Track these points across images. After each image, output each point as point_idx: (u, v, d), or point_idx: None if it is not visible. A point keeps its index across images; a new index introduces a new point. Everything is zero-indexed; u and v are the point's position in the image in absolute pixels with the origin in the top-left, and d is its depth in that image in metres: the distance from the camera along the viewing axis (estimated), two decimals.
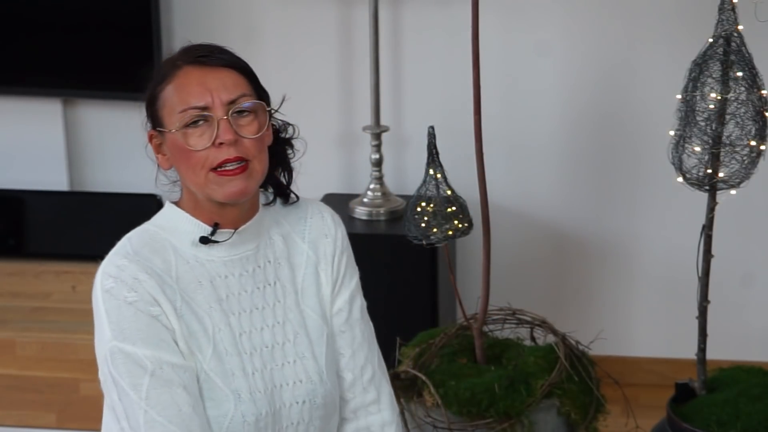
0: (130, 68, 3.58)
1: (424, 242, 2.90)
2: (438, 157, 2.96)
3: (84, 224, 3.67)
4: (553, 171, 3.66)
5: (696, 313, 2.98)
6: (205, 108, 1.96)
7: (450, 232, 2.96)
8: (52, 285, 3.65)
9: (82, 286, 3.64)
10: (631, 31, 3.55)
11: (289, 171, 2.15)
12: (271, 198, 2.14)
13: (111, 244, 3.63)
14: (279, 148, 2.11)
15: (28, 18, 3.61)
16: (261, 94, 2.05)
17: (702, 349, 3.00)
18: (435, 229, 2.92)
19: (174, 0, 3.66)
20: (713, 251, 2.94)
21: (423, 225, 2.90)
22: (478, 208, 2.91)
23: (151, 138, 2.07)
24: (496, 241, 3.07)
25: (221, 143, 1.95)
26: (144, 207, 3.64)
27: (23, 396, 3.41)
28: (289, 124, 2.13)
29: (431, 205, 2.95)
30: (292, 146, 2.14)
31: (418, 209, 2.94)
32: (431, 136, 2.95)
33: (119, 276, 1.98)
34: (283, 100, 2.10)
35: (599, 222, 3.68)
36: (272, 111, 2.06)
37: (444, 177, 2.97)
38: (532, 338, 3.23)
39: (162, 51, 3.55)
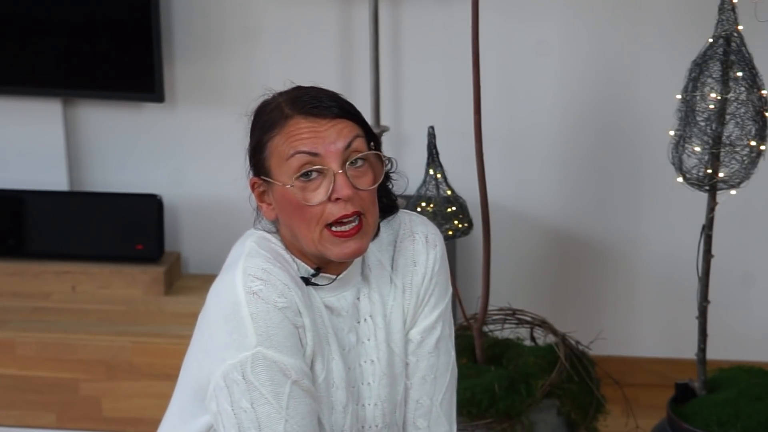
0: (130, 69, 3.62)
1: None
2: (438, 157, 2.96)
3: (84, 224, 3.66)
4: (554, 171, 3.66)
5: (696, 313, 2.98)
6: (316, 155, 1.86)
7: (450, 232, 2.96)
8: (52, 285, 3.65)
9: (82, 286, 3.64)
10: (631, 31, 3.54)
11: (391, 200, 2.05)
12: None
13: (111, 244, 3.66)
14: (382, 183, 2.00)
15: (28, 18, 3.61)
16: (371, 138, 1.94)
17: (702, 349, 3.00)
18: None
19: (174, 0, 3.66)
20: (713, 251, 2.94)
21: None
22: (478, 208, 2.91)
23: (253, 186, 1.95)
24: (496, 241, 3.07)
25: (338, 198, 1.87)
26: (144, 207, 3.65)
27: (23, 396, 3.41)
28: (388, 159, 2.02)
29: (431, 205, 2.95)
30: (390, 179, 2.02)
31: (418, 209, 2.94)
32: (431, 136, 2.95)
33: (268, 279, 1.86)
34: (381, 134, 2.02)
35: (599, 222, 3.68)
36: (385, 159, 1.96)
37: (444, 177, 2.97)
38: (532, 338, 3.23)
39: (162, 51, 3.55)
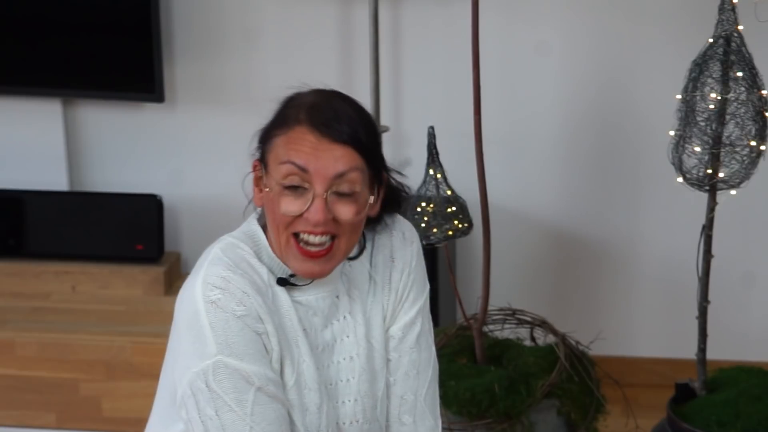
0: (130, 69, 3.62)
1: (424, 242, 2.90)
2: (438, 157, 2.96)
3: (84, 224, 3.67)
4: (553, 171, 3.66)
5: (696, 313, 2.98)
6: (305, 171, 1.84)
7: (450, 232, 2.96)
8: (52, 285, 3.65)
9: (82, 286, 3.64)
10: (631, 31, 3.54)
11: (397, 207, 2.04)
12: (361, 248, 2.01)
13: (111, 244, 3.65)
14: (387, 204, 2.00)
15: (28, 18, 3.61)
16: (376, 170, 1.91)
17: (702, 349, 3.00)
18: (435, 229, 2.92)
19: (174, 0, 3.66)
20: (713, 251, 2.94)
21: (423, 225, 2.90)
22: (478, 208, 2.91)
23: (255, 167, 1.94)
24: (496, 241, 3.07)
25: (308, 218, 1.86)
26: (144, 207, 3.65)
27: (23, 396, 3.41)
28: (403, 188, 2.02)
29: (431, 205, 2.95)
30: (399, 205, 2.02)
31: (418, 209, 2.94)
32: (431, 136, 2.95)
33: (227, 288, 1.86)
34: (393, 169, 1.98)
35: (599, 222, 3.68)
36: (378, 192, 1.94)
37: (444, 177, 2.97)
38: (532, 338, 3.23)
39: (162, 51, 3.55)
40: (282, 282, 1.94)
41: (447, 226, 2.95)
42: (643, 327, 3.74)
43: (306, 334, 1.95)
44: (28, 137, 3.75)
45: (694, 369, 3.05)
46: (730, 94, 2.74)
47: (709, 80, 2.75)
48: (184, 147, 3.78)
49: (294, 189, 1.87)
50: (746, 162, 2.77)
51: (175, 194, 3.78)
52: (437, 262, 3.44)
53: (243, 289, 1.87)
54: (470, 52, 2.80)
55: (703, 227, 2.91)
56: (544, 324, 3.18)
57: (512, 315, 3.23)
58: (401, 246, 2.05)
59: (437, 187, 2.95)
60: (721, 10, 2.75)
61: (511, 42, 3.58)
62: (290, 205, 1.87)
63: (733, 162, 2.77)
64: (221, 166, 3.74)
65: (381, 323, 2.04)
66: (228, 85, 3.71)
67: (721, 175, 2.78)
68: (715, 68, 2.75)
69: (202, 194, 3.79)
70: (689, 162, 2.80)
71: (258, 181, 1.95)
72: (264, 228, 1.96)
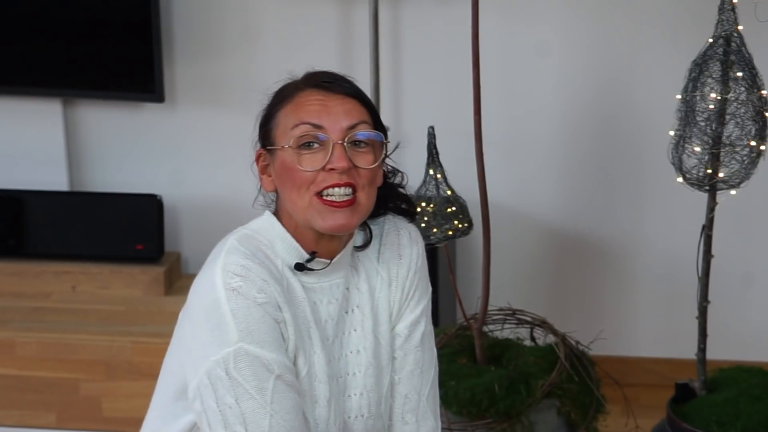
0: (130, 69, 3.62)
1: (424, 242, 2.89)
2: (438, 157, 2.96)
3: (84, 224, 3.67)
4: (553, 171, 3.66)
5: (696, 313, 2.98)
6: (320, 127, 1.90)
7: (450, 232, 2.96)
8: (52, 285, 3.65)
9: (82, 286, 3.64)
10: (631, 31, 3.55)
11: (412, 205, 2.09)
12: (368, 238, 2.04)
13: (111, 244, 3.66)
14: (387, 192, 2.04)
15: (28, 18, 3.61)
16: (379, 128, 1.97)
17: (702, 349, 3.00)
18: (435, 229, 2.92)
19: (174, 0, 3.66)
20: (713, 251, 2.94)
21: (423, 225, 2.91)
22: (478, 208, 2.91)
23: (258, 158, 1.98)
24: (496, 241, 3.07)
25: (332, 169, 1.89)
26: (144, 207, 3.65)
27: (23, 396, 3.41)
28: (398, 171, 2.06)
29: (431, 205, 2.95)
30: (404, 200, 2.07)
31: (418, 209, 2.94)
32: (431, 136, 2.95)
33: (247, 275, 1.87)
34: (396, 147, 2.02)
35: (599, 222, 3.68)
36: (387, 148, 1.99)
37: (444, 177, 2.97)
38: (532, 338, 3.23)
39: (162, 51, 3.55)
40: (299, 267, 1.95)
41: (447, 226, 2.95)
42: (643, 327, 3.74)
43: (317, 325, 1.97)
44: (28, 137, 3.75)
45: (694, 369, 3.05)
46: (730, 94, 2.74)
47: (709, 80, 2.75)
48: (184, 147, 3.78)
49: (310, 146, 1.90)
50: (746, 162, 2.77)
51: (175, 194, 3.78)
52: (437, 262, 3.44)
53: (263, 277, 1.89)
54: (470, 52, 2.80)
55: (703, 227, 2.91)
56: (544, 324, 3.19)
57: (512, 315, 3.23)
58: (408, 244, 2.08)
59: (437, 187, 2.95)
60: (721, 10, 2.75)
61: (511, 42, 3.58)
62: (311, 162, 1.90)
63: (733, 162, 2.77)
64: (221, 166, 3.74)
65: (387, 319, 2.06)
66: (228, 85, 3.71)
67: (721, 175, 2.78)
68: (715, 68, 2.75)
69: (202, 194, 3.79)
70: (689, 162, 2.80)
71: (265, 169, 1.98)
72: (277, 216, 1.99)
